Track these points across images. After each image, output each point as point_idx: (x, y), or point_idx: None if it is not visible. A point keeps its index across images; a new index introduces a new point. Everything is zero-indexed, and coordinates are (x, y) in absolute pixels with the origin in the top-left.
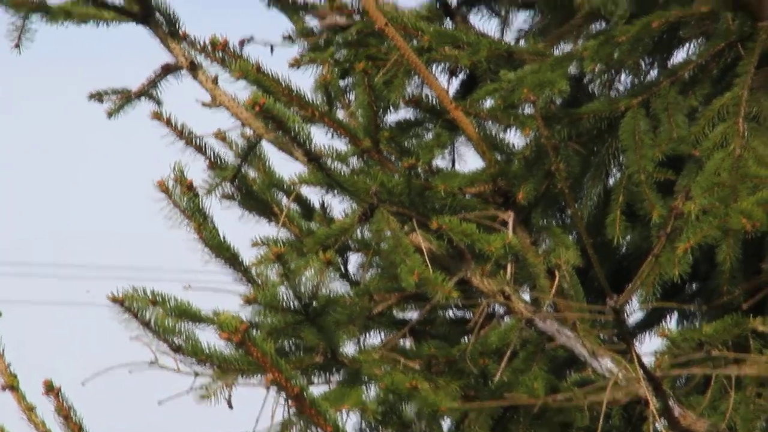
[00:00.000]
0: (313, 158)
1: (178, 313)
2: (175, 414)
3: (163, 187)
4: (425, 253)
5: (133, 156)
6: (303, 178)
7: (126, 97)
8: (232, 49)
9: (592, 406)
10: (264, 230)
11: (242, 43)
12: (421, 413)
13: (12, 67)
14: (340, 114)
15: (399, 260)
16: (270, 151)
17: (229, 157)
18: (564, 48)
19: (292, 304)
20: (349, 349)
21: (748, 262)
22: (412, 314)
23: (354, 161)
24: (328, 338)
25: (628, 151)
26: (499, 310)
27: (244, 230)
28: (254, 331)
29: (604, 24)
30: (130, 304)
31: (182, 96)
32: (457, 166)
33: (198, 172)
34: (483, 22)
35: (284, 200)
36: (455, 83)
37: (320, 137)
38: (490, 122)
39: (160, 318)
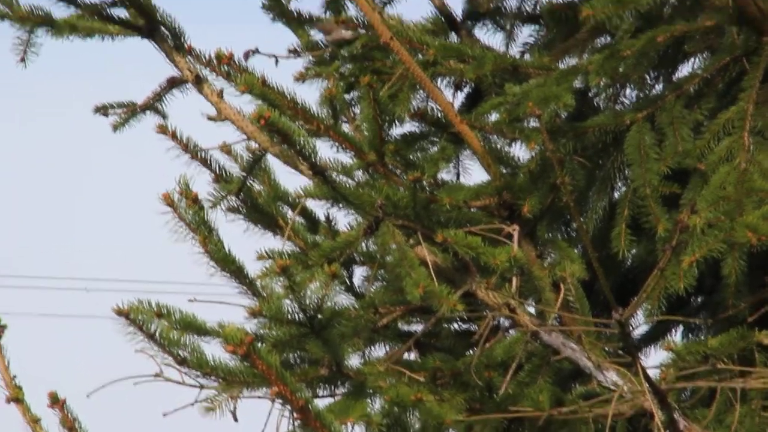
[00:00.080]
0: (319, 171)
1: (183, 326)
2: (180, 426)
3: (168, 200)
4: (430, 266)
5: (138, 169)
6: (308, 192)
7: (131, 111)
8: (237, 63)
9: (597, 418)
10: (269, 243)
11: (247, 54)
12: (426, 426)
13: (17, 81)
14: (346, 127)
15: (404, 273)
16: (275, 164)
17: (234, 170)
18: (569, 62)
19: (297, 316)
20: (354, 361)
21: (753, 276)
22: (417, 327)
23: (359, 174)
24: (333, 351)
25: (633, 165)
26: (505, 322)
27: (249, 243)
28: (259, 343)
29: (609, 38)
30: (135, 317)
31: (187, 109)
32: (462, 180)
33: (203, 185)
34: (488, 36)
35: (289, 213)
36: (460, 97)
37: (325, 150)
38: (495, 136)
39: (165, 330)
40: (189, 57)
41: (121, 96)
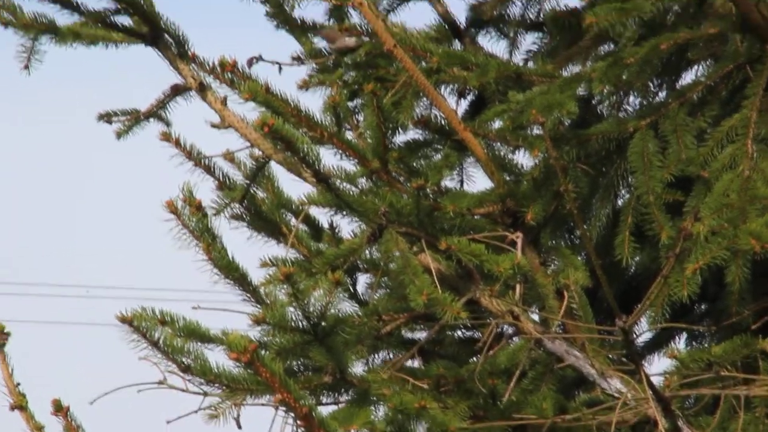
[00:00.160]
0: (322, 179)
1: (186, 333)
2: None
3: (172, 208)
4: (434, 274)
5: (141, 177)
6: (312, 199)
7: (135, 118)
8: (240, 70)
9: (600, 426)
10: (273, 250)
11: (250, 62)
12: None
13: (21, 88)
14: (349, 135)
15: (408, 280)
16: (279, 171)
17: (237, 177)
18: (573, 69)
19: (300, 324)
20: (357, 369)
21: (756, 283)
22: (421, 334)
23: (363, 182)
24: (336, 358)
25: (636, 172)
26: (508, 330)
27: (252, 250)
28: (263, 351)
29: (612, 46)
30: (139, 324)
31: (191, 117)
32: (465, 187)
33: (207, 192)
34: (492, 44)
35: (293, 221)
36: (464, 104)
37: (329, 158)
38: (498, 143)
39: (169, 338)
40: (193, 64)
41: (125, 103)
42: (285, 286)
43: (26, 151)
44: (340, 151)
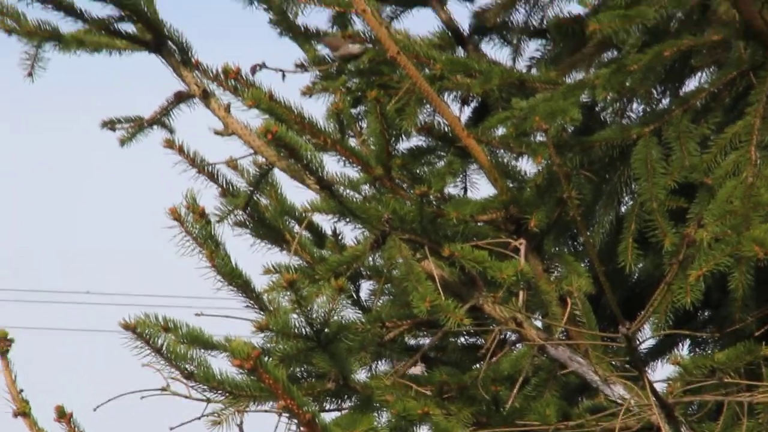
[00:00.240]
0: (325, 186)
1: (190, 340)
2: None
3: (175, 215)
4: (437, 280)
5: (145, 184)
6: (315, 206)
7: (138, 125)
8: (244, 78)
9: None
10: (276, 257)
11: (254, 69)
12: None
13: (25, 96)
14: (353, 142)
15: (411, 287)
16: (282, 178)
17: (241, 184)
18: (576, 76)
19: (304, 330)
20: (360, 375)
21: (760, 290)
22: (424, 341)
23: (366, 189)
24: (340, 365)
25: (640, 179)
26: (511, 336)
27: (256, 257)
28: (266, 357)
29: (616, 52)
30: (142, 331)
31: (194, 124)
32: (469, 194)
33: (210, 199)
34: (495, 51)
35: (296, 227)
36: (467, 111)
37: (332, 165)
38: (502, 150)
39: (172, 344)
40: (196, 72)
41: (129, 110)
42: (288, 293)
43: (30, 159)
44: (344, 158)
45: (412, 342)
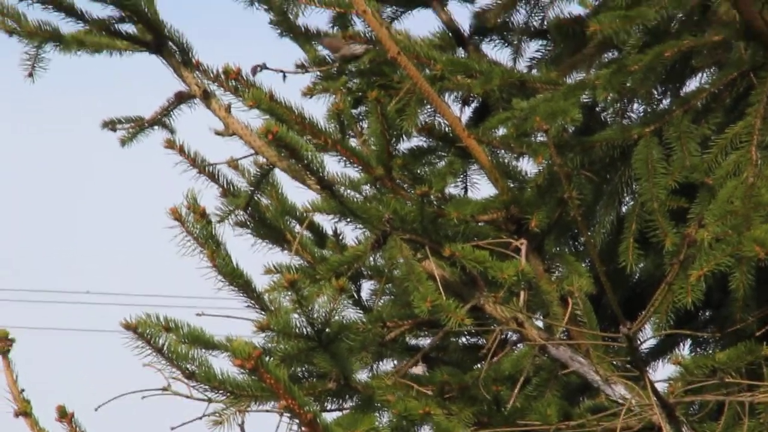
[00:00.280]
0: (326, 186)
1: (191, 340)
2: None
3: (176, 215)
4: (438, 280)
5: (146, 184)
6: (316, 206)
7: (139, 126)
8: (245, 78)
9: None
10: (277, 257)
11: (254, 70)
12: None
13: (25, 96)
14: (353, 142)
15: (412, 287)
16: (283, 178)
17: (242, 184)
18: (577, 77)
19: (305, 330)
20: (362, 375)
21: (761, 290)
22: (425, 341)
23: (367, 189)
24: (341, 365)
25: (641, 179)
26: (512, 336)
27: (257, 257)
28: (267, 357)
29: (616, 53)
30: (143, 331)
31: (195, 124)
32: (469, 194)
33: (211, 199)
34: (495, 51)
35: (297, 227)
36: (468, 111)
37: (333, 165)
38: (502, 150)
39: (174, 344)
40: (197, 72)
41: (129, 111)
42: (289, 293)
43: (31, 159)
44: (344, 159)
45: (413, 342)
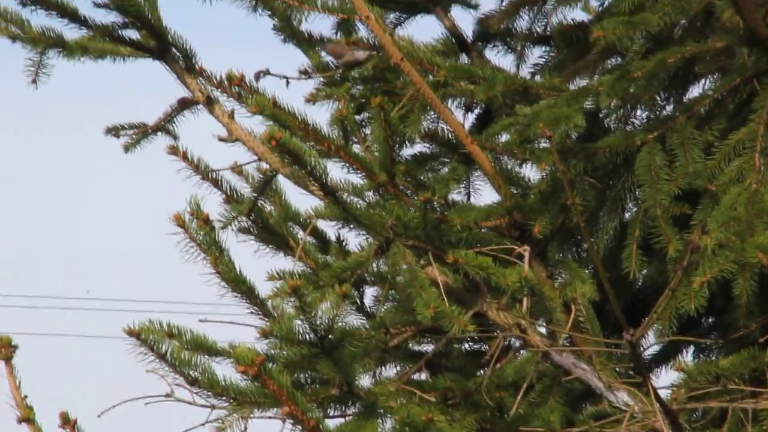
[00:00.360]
0: (329, 192)
1: (194, 346)
2: None
3: (179, 221)
4: (441, 287)
5: (149, 191)
6: (319, 212)
7: (143, 132)
8: (248, 84)
9: None
10: (280, 263)
11: (258, 76)
12: None
13: (29, 102)
14: (356, 148)
15: (415, 293)
16: (286, 185)
17: (245, 191)
18: (580, 83)
19: (308, 336)
20: (365, 381)
21: (764, 296)
22: (428, 347)
23: (370, 195)
24: (344, 371)
25: (644, 186)
26: (515, 343)
27: (260, 264)
28: (270, 363)
29: (619, 59)
30: (146, 337)
31: (198, 130)
32: (472, 200)
33: (214, 206)
34: (499, 57)
35: (300, 234)
36: (471, 118)
37: (336, 171)
38: (505, 156)
39: (177, 351)
40: (200, 78)
41: (133, 117)
42: (292, 299)
43: (34, 165)
44: (348, 165)
45: (416, 348)
